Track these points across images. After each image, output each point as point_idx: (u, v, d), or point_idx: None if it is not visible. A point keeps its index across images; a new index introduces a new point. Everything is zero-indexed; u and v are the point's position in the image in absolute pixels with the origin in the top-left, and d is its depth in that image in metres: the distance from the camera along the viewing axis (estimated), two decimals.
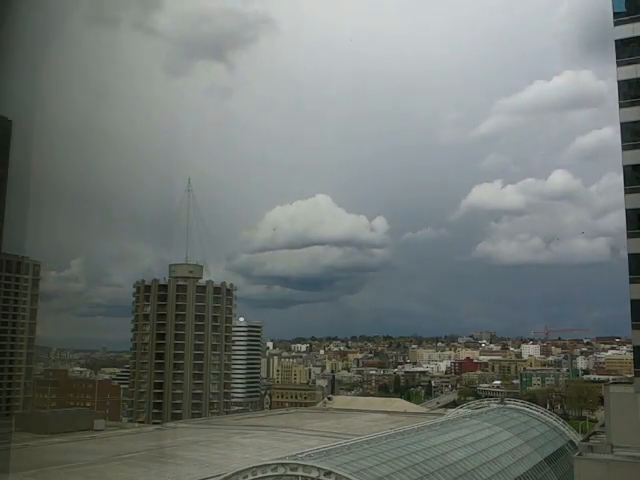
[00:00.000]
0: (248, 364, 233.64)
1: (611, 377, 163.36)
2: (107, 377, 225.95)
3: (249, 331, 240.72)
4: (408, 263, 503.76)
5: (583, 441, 49.26)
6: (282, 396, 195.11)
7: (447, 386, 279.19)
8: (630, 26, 48.27)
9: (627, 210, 46.94)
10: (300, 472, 36.37)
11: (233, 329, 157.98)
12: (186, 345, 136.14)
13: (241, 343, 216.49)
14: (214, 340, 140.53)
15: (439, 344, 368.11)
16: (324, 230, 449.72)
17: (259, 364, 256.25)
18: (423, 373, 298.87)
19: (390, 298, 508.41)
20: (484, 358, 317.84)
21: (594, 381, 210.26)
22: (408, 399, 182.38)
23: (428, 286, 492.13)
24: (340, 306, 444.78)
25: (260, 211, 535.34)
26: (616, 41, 48.57)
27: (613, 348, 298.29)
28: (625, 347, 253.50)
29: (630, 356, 60.71)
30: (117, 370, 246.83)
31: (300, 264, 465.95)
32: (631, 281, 46.36)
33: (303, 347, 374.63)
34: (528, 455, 59.76)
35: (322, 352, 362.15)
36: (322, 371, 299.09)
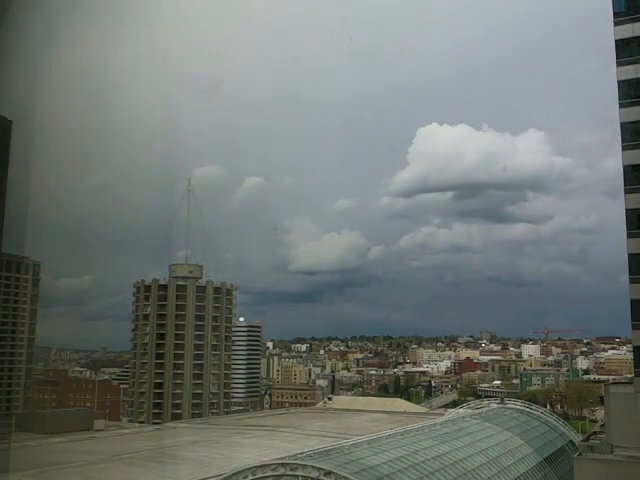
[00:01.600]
0: (248, 364, 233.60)
1: (611, 377, 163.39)
2: (107, 377, 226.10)
3: (249, 331, 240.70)
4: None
5: (583, 441, 49.37)
6: (282, 396, 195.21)
7: (447, 386, 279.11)
8: (630, 26, 48.34)
9: (627, 210, 46.99)
10: (300, 472, 36.35)
11: (233, 329, 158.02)
12: (186, 345, 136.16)
13: (241, 343, 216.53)
14: (214, 340, 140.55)
15: (439, 344, 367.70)
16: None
17: (259, 364, 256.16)
18: (423, 373, 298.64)
19: (387, 306, 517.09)
20: (484, 358, 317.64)
21: (594, 381, 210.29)
22: (408, 399, 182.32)
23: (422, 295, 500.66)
24: (338, 311, 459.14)
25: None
26: (616, 41, 48.64)
27: (613, 348, 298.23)
28: (625, 347, 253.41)
29: (630, 356, 60.76)
30: (117, 370, 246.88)
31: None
32: (631, 281, 46.44)
33: (303, 347, 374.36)
34: (528, 455, 59.76)
35: (322, 352, 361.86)
36: (322, 371, 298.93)
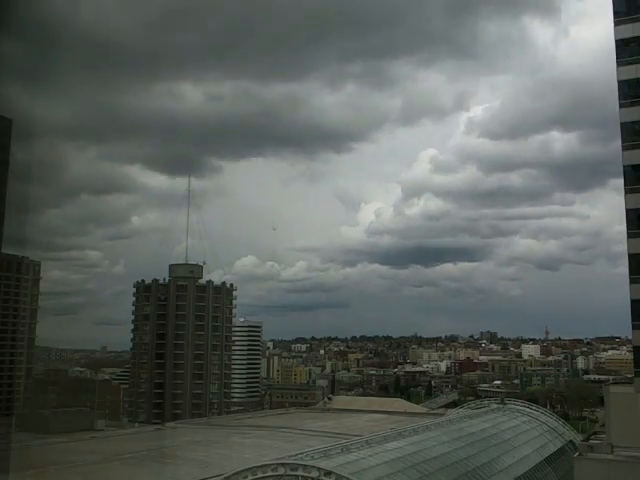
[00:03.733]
0: (248, 364, 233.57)
1: (611, 377, 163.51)
2: (107, 377, 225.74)
3: (249, 331, 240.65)
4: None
5: (583, 441, 49.27)
6: (282, 396, 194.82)
7: (447, 386, 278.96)
8: (630, 26, 48.34)
9: (627, 210, 46.98)
10: (300, 472, 36.32)
11: (233, 329, 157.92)
12: (186, 345, 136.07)
13: (241, 343, 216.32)
14: (214, 340, 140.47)
15: (439, 344, 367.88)
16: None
17: (259, 364, 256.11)
18: (423, 373, 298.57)
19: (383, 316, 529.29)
20: (484, 358, 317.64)
21: (594, 381, 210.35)
22: (408, 399, 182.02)
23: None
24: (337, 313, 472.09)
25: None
26: (616, 41, 48.64)
27: (613, 348, 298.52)
28: (625, 347, 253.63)
29: (630, 356, 60.76)
30: (117, 370, 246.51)
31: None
32: (631, 281, 46.44)
33: (303, 347, 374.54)
34: (528, 455, 59.79)
35: (322, 352, 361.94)
36: (322, 371, 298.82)
